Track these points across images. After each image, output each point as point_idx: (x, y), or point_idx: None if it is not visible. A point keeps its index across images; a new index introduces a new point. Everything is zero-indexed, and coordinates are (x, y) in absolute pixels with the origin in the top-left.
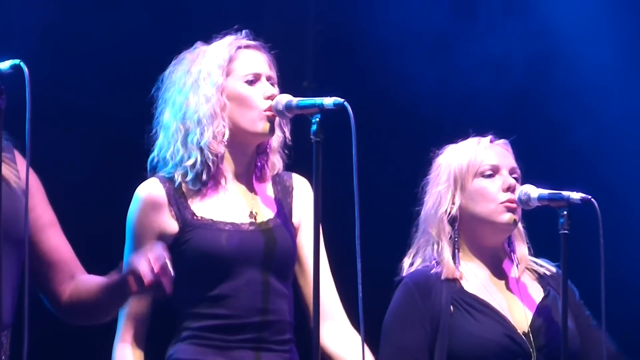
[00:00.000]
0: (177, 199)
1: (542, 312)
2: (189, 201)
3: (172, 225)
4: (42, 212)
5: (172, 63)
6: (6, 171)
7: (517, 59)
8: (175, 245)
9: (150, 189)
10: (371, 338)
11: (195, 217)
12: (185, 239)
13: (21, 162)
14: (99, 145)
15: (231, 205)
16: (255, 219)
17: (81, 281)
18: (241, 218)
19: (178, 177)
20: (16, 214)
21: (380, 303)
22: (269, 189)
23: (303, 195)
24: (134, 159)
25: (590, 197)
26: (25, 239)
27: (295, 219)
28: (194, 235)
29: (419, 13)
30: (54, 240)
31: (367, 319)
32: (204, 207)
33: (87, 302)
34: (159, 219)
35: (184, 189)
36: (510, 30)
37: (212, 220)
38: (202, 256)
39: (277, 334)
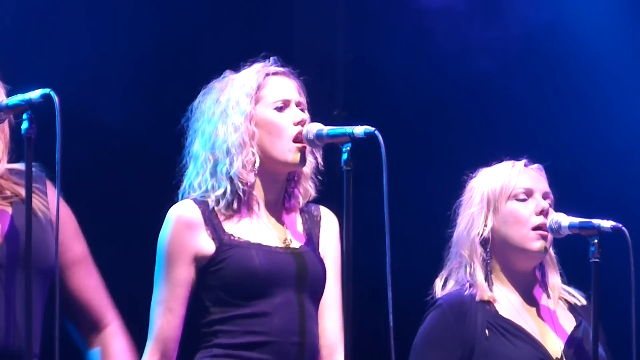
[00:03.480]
0: (212, 219)
1: (573, 342)
2: (223, 223)
3: (208, 246)
4: (70, 247)
5: (201, 93)
6: (36, 202)
7: (551, 85)
8: (209, 265)
9: (185, 210)
10: None
11: (232, 238)
12: (221, 258)
13: (52, 193)
14: (130, 170)
15: (264, 230)
16: (287, 244)
17: (106, 350)
18: (274, 242)
19: (211, 203)
20: (45, 245)
21: (410, 331)
22: (298, 217)
23: (330, 228)
24: (166, 187)
25: (621, 225)
26: (56, 270)
27: (321, 250)
28: (231, 255)
29: (449, 41)
30: (80, 279)
31: (396, 346)
32: (238, 230)
33: None
34: (195, 240)
35: (217, 211)
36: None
37: (248, 241)
38: (238, 275)
39: (310, 357)
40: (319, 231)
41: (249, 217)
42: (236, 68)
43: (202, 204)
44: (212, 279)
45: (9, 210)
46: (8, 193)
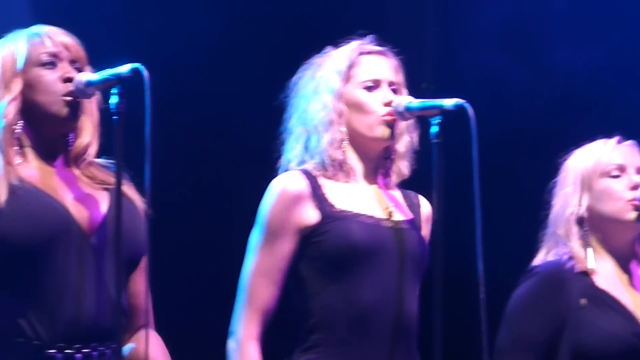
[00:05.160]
0: (317, 190)
1: None
2: (327, 194)
3: (312, 216)
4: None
5: (301, 68)
6: (128, 190)
7: None
8: (312, 235)
9: (291, 181)
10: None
11: (335, 209)
12: (324, 230)
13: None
14: (219, 149)
15: (367, 202)
16: (390, 217)
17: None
18: (378, 214)
19: (314, 173)
20: (135, 232)
21: (501, 308)
22: (397, 195)
23: (426, 217)
24: (257, 164)
25: None
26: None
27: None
28: (335, 227)
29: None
30: (135, 279)
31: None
32: (341, 201)
33: None
34: (300, 211)
35: (320, 182)
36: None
37: (352, 212)
38: (340, 247)
39: (406, 336)
40: (418, 218)
41: (351, 189)
42: (332, 44)
43: (306, 174)
44: (314, 250)
45: (105, 195)
46: (100, 179)
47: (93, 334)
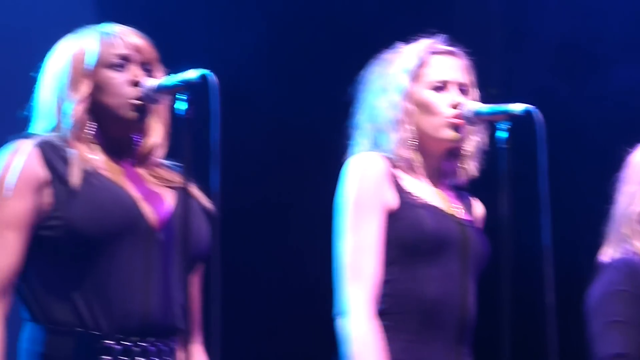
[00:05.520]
0: (394, 174)
1: None
2: (400, 182)
3: (393, 200)
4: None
5: (371, 64)
6: (196, 191)
7: None
8: (390, 220)
9: (372, 159)
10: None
11: (412, 196)
12: (401, 215)
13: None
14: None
15: (434, 196)
16: (455, 215)
17: None
18: (446, 209)
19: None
20: (200, 232)
21: (569, 307)
22: (459, 196)
23: (480, 219)
24: (325, 161)
25: None
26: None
27: None
28: (411, 214)
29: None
30: (193, 287)
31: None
32: (413, 189)
33: None
34: (384, 189)
35: (394, 170)
36: None
37: (426, 202)
38: (416, 235)
39: (468, 328)
40: (474, 218)
41: (418, 181)
42: (406, 41)
43: (384, 158)
44: (390, 235)
45: (172, 194)
46: (166, 178)
47: (153, 329)
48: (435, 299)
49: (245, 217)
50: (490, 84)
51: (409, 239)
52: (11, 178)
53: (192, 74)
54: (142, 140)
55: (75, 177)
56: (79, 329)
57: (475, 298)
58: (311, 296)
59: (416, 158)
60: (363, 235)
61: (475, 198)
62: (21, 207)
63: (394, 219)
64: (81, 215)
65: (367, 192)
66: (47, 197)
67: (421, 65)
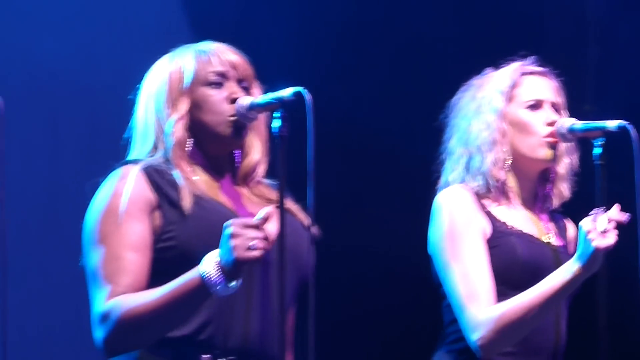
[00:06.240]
0: (482, 204)
1: None
2: (492, 211)
3: (487, 229)
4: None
5: (461, 89)
6: (297, 210)
7: None
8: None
9: (461, 192)
10: None
11: (504, 225)
12: (494, 244)
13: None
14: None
15: (526, 222)
16: (547, 239)
17: None
18: (539, 236)
19: (476, 189)
20: (301, 252)
21: None
22: (552, 219)
23: (573, 240)
24: (417, 185)
25: None
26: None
27: None
28: (504, 242)
29: None
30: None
31: None
32: (505, 218)
33: None
34: (478, 218)
35: (482, 201)
36: None
37: (519, 230)
38: (510, 262)
39: (560, 356)
40: (566, 244)
41: (509, 209)
42: (494, 66)
43: (470, 189)
44: None
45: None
46: (268, 197)
47: (252, 350)
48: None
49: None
50: (583, 101)
51: (502, 267)
52: (123, 204)
53: (286, 91)
54: (242, 158)
55: (186, 201)
56: (178, 343)
57: (566, 322)
58: (408, 318)
59: (510, 180)
60: (468, 260)
61: (568, 219)
62: (137, 229)
63: (488, 247)
64: (192, 237)
65: (461, 220)
66: (157, 219)
67: (514, 86)
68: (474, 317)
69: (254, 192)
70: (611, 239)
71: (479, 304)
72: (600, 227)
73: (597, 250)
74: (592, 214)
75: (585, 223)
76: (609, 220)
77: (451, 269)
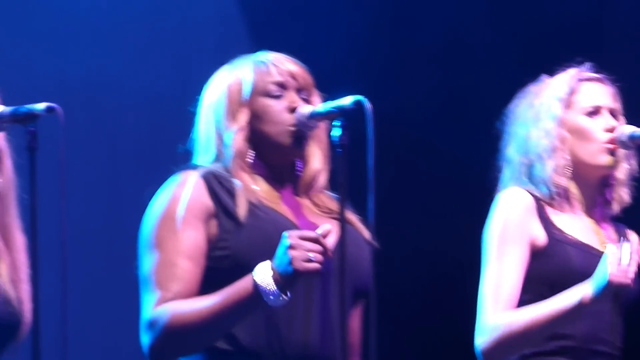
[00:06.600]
0: (542, 212)
1: None
2: (551, 217)
3: (541, 236)
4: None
5: (518, 97)
6: (357, 221)
7: None
8: (536, 256)
9: (521, 193)
10: None
11: (562, 233)
12: (550, 253)
13: None
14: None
15: (586, 231)
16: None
17: None
18: (597, 246)
19: (537, 195)
20: (361, 264)
21: None
22: (612, 227)
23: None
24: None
25: None
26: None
27: None
28: (559, 251)
29: None
30: (354, 320)
31: None
32: (564, 226)
33: None
34: (532, 224)
35: (543, 205)
36: None
37: (576, 239)
38: (563, 272)
39: None
40: None
41: (571, 217)
42: (550, 73)
43: (532, 195)
44: (536, 272)
45: (333, 225)
46: (329, 208)
47: (311, 357)
48: (586, 336)
49: (399, 246)
50: None
51: (557, 277)
52: (180, 210)
53: (346, 100)
54: (303, 168)
55: (242, 210)
56: (238, 355)
57: (622, 332)
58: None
59: (572, 187)
60: (505, 264)
61: (630, 230)
62: (193, 237)
63: (541, 255)
64: (247, 246)
65: (513, 223)
66: (213, 228)
67: (572, 92)
68: (484, 321)
69: (315, 202)
70: (627, 278)
71: (495, 309)
72: (625, 260)
73: (610, 284)
74: (622, 242)
75: (611, 250)
76: (631, 256)
77: (487, 268)
